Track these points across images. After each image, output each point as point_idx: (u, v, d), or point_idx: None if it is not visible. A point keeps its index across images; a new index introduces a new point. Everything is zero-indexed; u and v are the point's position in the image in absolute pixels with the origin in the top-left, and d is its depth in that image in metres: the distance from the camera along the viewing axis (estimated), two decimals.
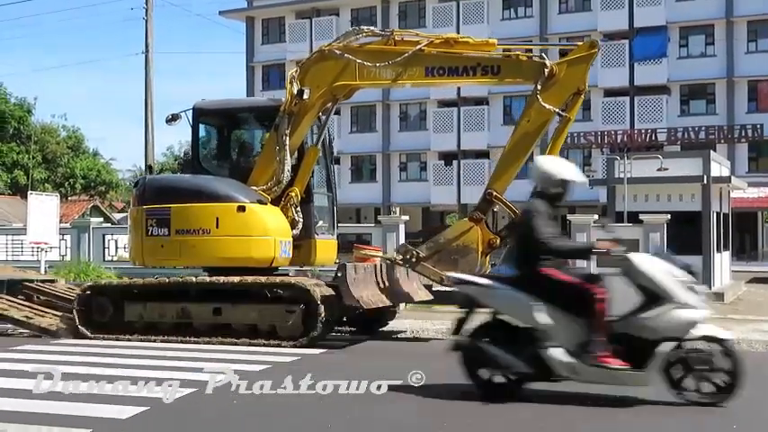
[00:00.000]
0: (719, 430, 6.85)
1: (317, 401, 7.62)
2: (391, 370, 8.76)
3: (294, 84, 12.10)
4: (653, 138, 40.79)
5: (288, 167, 12.15)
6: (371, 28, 12.64)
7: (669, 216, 16.81)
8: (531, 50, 12.37)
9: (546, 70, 11.43)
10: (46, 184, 58.03)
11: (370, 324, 13.07)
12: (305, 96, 12.00)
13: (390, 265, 12.54)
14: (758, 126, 41.21)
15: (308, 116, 12.34)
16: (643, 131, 41.20)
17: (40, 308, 13.60)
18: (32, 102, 60.52)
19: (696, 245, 21.10)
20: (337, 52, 12.14)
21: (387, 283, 12.40)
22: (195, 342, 11.52)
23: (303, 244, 12.55)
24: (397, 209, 26.50)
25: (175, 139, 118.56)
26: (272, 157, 12.24)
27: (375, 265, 12.38)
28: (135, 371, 9.28)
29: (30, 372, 8.82)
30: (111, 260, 21.88)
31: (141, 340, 11.72)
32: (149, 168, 13.55)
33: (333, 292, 11.46)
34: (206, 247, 11.92)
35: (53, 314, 13.29)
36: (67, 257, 21.71)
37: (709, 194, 21.71)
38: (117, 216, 60.35)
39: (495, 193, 11.81)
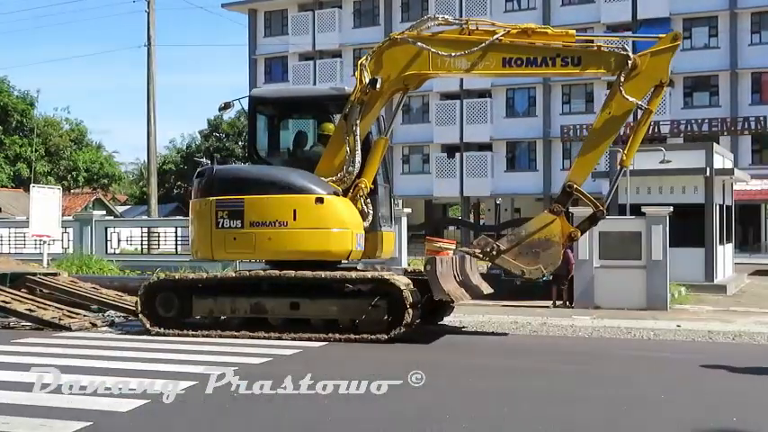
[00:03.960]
0: (720, 422, 6.83)
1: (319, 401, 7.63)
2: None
3: (365, 72, 11.81)
4: (656, 130, 40.64)
5: (359, 158, 11.86)
6: (445, 16, 12.27)
7: (672, 208, 16.74)
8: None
9: (629, 62, 11.27)
10: (49, 177, 58.12)
11: (430, 316, 12.87)
12: (377, 86, 11.73)
13: (461, 259, 12.47)
14: (761, 118, 41.08)
15: (377, 105, 12.07)
16: None
17: (42, 301, 13.62)
18: (35, 95, 60.54)
19: (699, 237, 21.09)
20: (410, 40, 11.81)
21: (461, 277, 12.31)
22: (262, 337, 11.29)
23: (370, 236, 12.24)
24: (400, 201, 26.48)
25: (177, 132, 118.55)
26: (341, 147, 11.92)
27: (452, 258, 12.25)
28: (137, 364, 9.31)
29: (31, 365, 8.83)
30: (114, 253, 21.92)
31: (210, 336, 11.45)
32: (212, 158, 13.15)
33: (414, 287, 11.32)
34: (283, 239, 11.55)
35: (56, 307, 13.30)
36: (70, 250, 21.75)
37: (712, 187, 21.66)
38: (120, 209, 60.55)
39: (575, 186, 11.65)
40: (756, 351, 11.33)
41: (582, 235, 12.19)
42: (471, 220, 46.67)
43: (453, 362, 10.00)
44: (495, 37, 11.56)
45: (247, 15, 54.27)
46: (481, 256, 11.94)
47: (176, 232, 22.09)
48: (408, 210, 20.16)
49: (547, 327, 13.34)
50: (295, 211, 11.51)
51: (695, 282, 20.16)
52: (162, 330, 11.71)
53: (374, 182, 12.29)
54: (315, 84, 48.19)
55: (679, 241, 18.41)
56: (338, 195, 11.77)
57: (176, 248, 21.87)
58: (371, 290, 11.53)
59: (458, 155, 47.39)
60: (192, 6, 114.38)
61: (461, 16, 45.64)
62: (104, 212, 29.64)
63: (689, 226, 20.29)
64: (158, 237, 22.69)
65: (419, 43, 11.76)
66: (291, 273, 11.53)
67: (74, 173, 62.59)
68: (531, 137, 46.36)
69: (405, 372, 8.39)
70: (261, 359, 9.67)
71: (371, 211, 12.06)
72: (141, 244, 22.64)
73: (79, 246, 21.76)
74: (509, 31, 11.64)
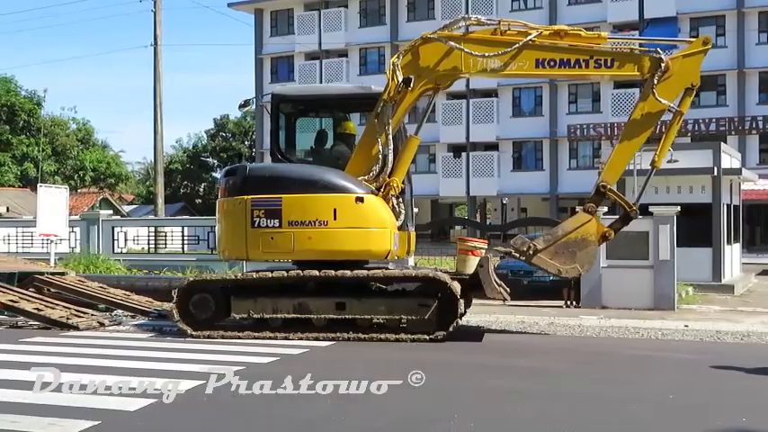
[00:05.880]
0: (729, 423, 6.81)
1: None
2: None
3: (397, 71, 11.76)
4: (662, 129, 40.64)
5: (391, 157, 11.80)
6: (477, 16, 12.26)
7: (679, 208, 16.69)
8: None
9: (662, 64, 11.40)
10: (56, 177, 58.30)
11: None
12: (411, 85, 11.69)
13: (488, 259, 12.45)
14: None
15: (408, 104, 12.04)
16: None
17: (50, 300, 13.66)
18: (42, 94, 60.71)
19: (706, 237, 21.01)
20: (442, 40, 11.80)
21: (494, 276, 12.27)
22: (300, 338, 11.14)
23: (400, 236, 12.11)
24: None
25: (184, 131, 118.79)
26: (372, 146, 11.85)
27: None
28: (144, 363, 9.32)
29: (40, 364, 8.86)
30: (121, 252, 21.94)
31: (254, 337, 11.29)
32: (240, 157, 12.92)
33: (459, 286, 11.35)
34: (323, 239, 11.40)
35: (64, 306, 13.34)
36: (77, 250, 21.78)
37: (720, 186, 21.59)
38: (127, 208, 60.67)
39: (608, 186, 11.78)
40: (765, 351, 11.30)
41: (615, 235, 12.18)
42: (478, 220, 46.66)
43: (460, 361, 9.99)
44: (529, 38, 11.57)
45: (253, 15, 54.30)
46: (518, 255, 11.91)
47: (183, 232, 22.12)
48: (415, 209, 20.09)
49: (554, 326, 13.32)
50: (335, 210, 11.41)
51: (703, 282, 20.10)
52: (202, 333, 11.48)
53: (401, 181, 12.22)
54: (321, 83, 48.19)
55: (686, 241, 18.35)
56: (376, 195, 11.71)
57: (183, 248, 21.91)
58: (420, 288, 11.54)
59: (464, 154, 47.35)
60: (199, 6, 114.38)
61: (467, 15, 45.68)
62: (111, 212, 29.65)
63: (696, 226, 20.22)
64: (165, 236, 22.72)
65: (451, 42, 11.74)
66: (346, 272, 11.42)
67: (81, 172, 62.76)
68: (537, 136, 46.30)
69: (413, 371, 8.39)
70: (268, 359, 9.68)
71: (403, 211, 12.00)
72: (148, 243, 22.66)
73: (86, 245, 21.79)
74: (542, 33, 11.66)
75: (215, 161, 73.87)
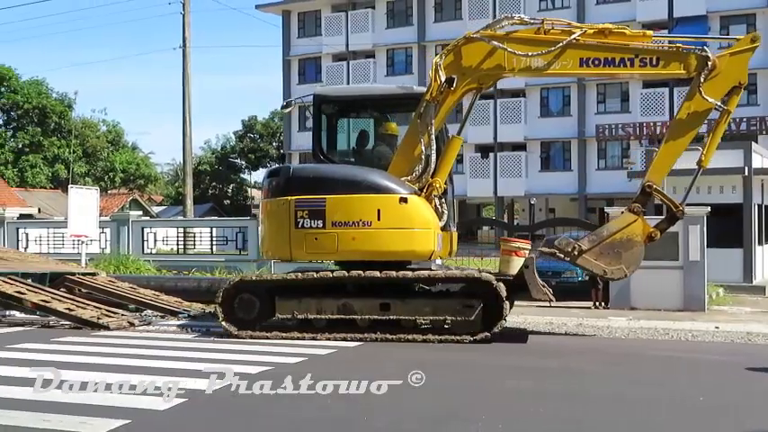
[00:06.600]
0: (762, 426, 6.74)
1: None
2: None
3: (440, 71, 11.72)
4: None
5: (434, 157, 11.74)
6: (521, 15, 12.18)
7: (710, 208, 16.54)
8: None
9: (709, 62, 11.28)
10: (86, 178, 58.96)
11: None
12: (453, 85, 11.66)
13: (533, 260, 12.40)
14: None
15: (450, 104, 11.97)
16: None
17: (81, 300, 13.80)
18: (73, 97, 61.44)
19: (737, 237, 20.85)
20: (485, 39, 11.72)
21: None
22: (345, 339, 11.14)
23: (443, 236, 12.06)
24: None
25: (212, 133, 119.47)
26: (415, 147, 11.80)
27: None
28: (174, 363, 9.39)
29: (71, 363, 8.95)
30: (150, 253, 22.13)
31: (296, 338, 11.29)
32: (282, 157, 12.86)
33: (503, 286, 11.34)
34: (367, 239, 11.39)
35: (95, 306, 13.47)
36: (107, 250, 22.01)
37: (751, 186, 21.40)
38: (156, 209, 61.16)
39: (654, 185, 11.68)
40: None
41: (662, 235, 12.00)
42: (505, 221, 46.51)
43: (488, 362, 9.97)
44: (573, 37, 11.48)
45: (281, 16, 54.54)
46: (562, 256, 11.80)
47: (211, 232, 22.29)
48: None
49: (583, 327, 13.26)
50: (379, 210, 11.39)
51: (733, 283, 19.91)
52: (247, 333, 11.50)
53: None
54: (348, 84, 48.29)
55: (717, 242, 18.19)
56: (419, 195, 11.68)
57: (211, 248, 22.08)
58: (465, 289, 11.53)
59: (491, 155, 47.24)
60: (227, 8, 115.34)
61: (495, 14, 45.56)
62: (141, 213, 29.94)
63: (727, 226, 20.04)
64: (194, 237, 22.90)
65: (494, 42, 11.66)
66: (407, 273, 11.44)
67: (111, 174, 63.40)
68: (565, 137, 46.09)
69: (439, 371, 8.38)
70: (296, 359, 9.71)
71: (445, 211, 11.94)
72: (177, 244, 22.85)
73: (116, 246, 22.01)
74: (586, 31, 11.57)
75: (243, 162, 74.26)
